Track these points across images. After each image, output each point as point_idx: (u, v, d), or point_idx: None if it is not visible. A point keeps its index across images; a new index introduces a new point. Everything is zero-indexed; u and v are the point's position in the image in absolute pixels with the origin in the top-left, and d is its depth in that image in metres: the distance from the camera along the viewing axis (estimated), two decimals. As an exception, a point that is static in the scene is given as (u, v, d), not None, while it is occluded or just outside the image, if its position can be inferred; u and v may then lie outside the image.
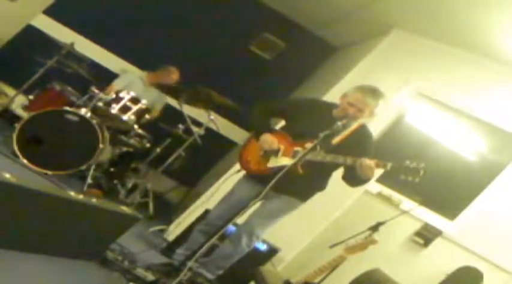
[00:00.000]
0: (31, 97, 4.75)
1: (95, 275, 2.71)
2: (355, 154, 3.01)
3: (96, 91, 4.32)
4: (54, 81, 4.85)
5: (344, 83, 4.72)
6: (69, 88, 4.88)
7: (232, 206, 3.33)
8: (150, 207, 4.85)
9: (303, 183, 3.24)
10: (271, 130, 3.41)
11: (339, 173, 3.30)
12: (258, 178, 3.32)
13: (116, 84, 5.20)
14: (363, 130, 3.32)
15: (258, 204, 3.36)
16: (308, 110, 3.43)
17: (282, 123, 3.63)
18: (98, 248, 2.79)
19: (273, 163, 3.30)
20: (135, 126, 4.63)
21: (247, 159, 3.48)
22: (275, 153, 3.31)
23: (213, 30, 6.29)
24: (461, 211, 4.52)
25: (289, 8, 6.24)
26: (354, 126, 3.24)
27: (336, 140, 3.12)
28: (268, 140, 3.32)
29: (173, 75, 5.39)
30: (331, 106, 3.42)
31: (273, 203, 3.37)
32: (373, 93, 3.25)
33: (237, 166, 3.60)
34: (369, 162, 2.94)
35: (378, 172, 4.06)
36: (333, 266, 2.96)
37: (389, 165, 2.89)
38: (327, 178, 3.41)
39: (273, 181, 2.71)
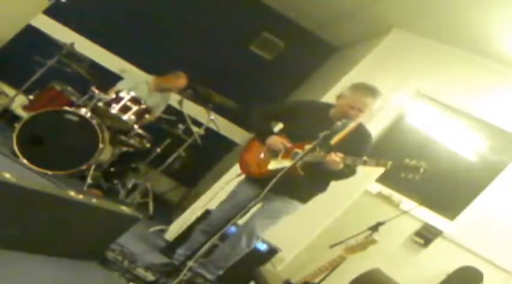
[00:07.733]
0: (31, 97, 4.76)
1: (95, 275, 2.71)
2: (353, 154, 3.03)
3: (96, 91, 4.32)
4: (54, 81, 4.85)
5: (344, 83, 4.68)
6: (69, 88, 4.88)
7: (234, 208, 3.32)
8: (150, 207, 4.85)
9: (303, 185, 3.25)
10: (273, 133, 3.42)
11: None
12: (259, 180, 3.32)
13: (120, 86, 5.14)
14: (361, 130, 3.33)
15: (258, 205, 3.36)
16: (305, 112, 3.44)
17: (280, 126, 3.63)
18: (98, 248, 2.79)
19: (273, 165, 3.30)
20: (135, 126, 4.63)
21: (248, 162, 3.48)
22: (276, 155, 3.31)
23: (213, 30, 6.29)
24: (461, 211, 4.51)
25: (289, 8, 6.24)
26: (352, 125, 3.24)
27: (334, 140, 3.12)
28: (278, 140, 3.31)
29: (181, 80, 5.33)
30: (328, 106, 3.43)
31: (273, 204, 3.37)
32: (372, 92, 3.24)
33: (238, 169, 3.59)
34: (333, 157, 3.00)
35: (378, 171, 4.11)
36: (333, 266, 2.96)
37: (389, 164, 2.91)
38: (328, 180, 3.40)
39: (271, 183, 2.71)
